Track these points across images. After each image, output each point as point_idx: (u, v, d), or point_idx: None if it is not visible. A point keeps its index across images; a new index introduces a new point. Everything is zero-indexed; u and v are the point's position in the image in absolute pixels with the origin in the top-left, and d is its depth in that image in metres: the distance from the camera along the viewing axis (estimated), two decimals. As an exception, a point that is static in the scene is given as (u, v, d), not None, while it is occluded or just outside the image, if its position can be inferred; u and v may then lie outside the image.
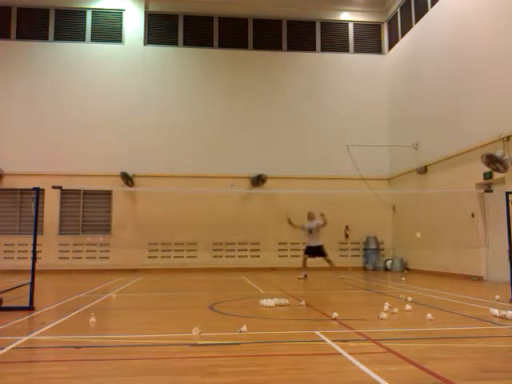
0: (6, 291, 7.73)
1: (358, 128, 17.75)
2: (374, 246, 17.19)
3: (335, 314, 5.95)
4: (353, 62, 18.56)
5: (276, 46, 18.40)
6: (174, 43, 18.06)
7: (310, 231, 12.39)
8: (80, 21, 17.70)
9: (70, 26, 17.65)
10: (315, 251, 12.31)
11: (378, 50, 18.84)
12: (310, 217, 12.60)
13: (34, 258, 6.97)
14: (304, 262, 12.51)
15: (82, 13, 17.71)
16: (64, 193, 16.20)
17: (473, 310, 6.76)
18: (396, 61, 17.83)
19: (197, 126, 17.40)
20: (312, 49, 18.57)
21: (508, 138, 11.07)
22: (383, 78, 18.41)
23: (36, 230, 7.20)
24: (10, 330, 5.34)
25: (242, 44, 18.28)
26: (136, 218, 16.68)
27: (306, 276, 12.22)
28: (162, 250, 16.74)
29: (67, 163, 16.45)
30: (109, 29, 17.81)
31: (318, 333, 4.98)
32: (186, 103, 17.56)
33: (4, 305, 6.86)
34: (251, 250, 17.02)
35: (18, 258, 15.80)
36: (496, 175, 11.50)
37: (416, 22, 16.17)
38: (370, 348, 4.42)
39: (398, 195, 17.15)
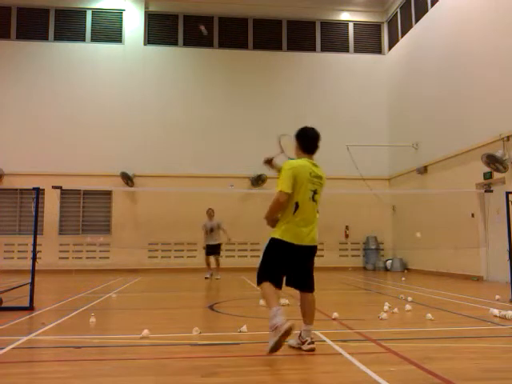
0: (5, 291, 7.73)
1: (357, 128, 17.75)
2: (373, 246, 17.19)
3: (335, 314, 5.95)
4: (353, 62, 18.56)
5: (276, 46, 18.40)
6: (174, 43, 18.05)
7: (211, 230, 12.95)
8: (80, 21, 17.69)
9: (69, 26, 17.64)
10: (214, 250, 13.04)
11: (377, 50, 18.83)
12: (211, 214, 13.13)
13: (34, 258, 6.97)
14: (207, 261, 13.15)
15: (82, 13, 17.71)
16: (64, 193, 16.17)
17: (473, 310, 6.76)
18: (396, 61, 17.82)
19: (197, 125, 17.39)
20: (312, 49, 18.57)
21: (508, 137, 11.07)
22: (383, 78, 18.40)
23: (36, 230, 7.19)
24: (10, 330, 5.34)
25: (241, 44, 18.28)
26: (136, 218, 16.67)
27: (211, 275, 12.92)
28: (162, 250, 16.73)
29: (67, 163, 16.44)
30: (109, 29, 17.81)
31: (318, 333, 4.97)
32: (185, 103, 17.55)
33: (4, 305, 6.86)
34: (251, 250, 17.02)
35: (18, 258, 15.79)
36: (496, 175, 11.50)
37: (416, 22, 16.16)
38: (370, 348, 4.42)
39: (397, 195, 17.15)
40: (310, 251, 4.33)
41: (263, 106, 17.78)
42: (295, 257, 4.25)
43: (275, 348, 3.87)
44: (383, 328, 5.44)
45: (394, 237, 17.62)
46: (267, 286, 4.17)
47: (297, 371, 3.66)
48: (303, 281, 4.36)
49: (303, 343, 4.23)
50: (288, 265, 4.27)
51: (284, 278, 4.31)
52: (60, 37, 17.53)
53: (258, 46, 18.31)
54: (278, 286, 4.25)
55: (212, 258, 13.17)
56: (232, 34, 18.32)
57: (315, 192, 4.33)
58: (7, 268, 15.03)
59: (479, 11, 12.57)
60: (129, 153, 16.81)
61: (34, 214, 7.18)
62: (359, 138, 17.30)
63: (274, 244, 4.25)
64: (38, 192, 7.14)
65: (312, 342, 4.23)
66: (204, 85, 17.80)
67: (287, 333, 3.83)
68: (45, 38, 17.46)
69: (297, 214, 4.20)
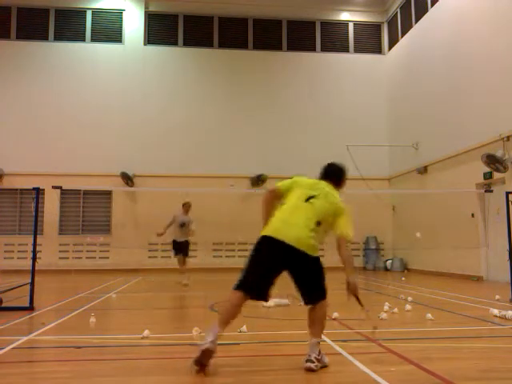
0: (5, 291, 7.73)
1: (357, 128, 17.74)
2: (374, 246, 17.18)
3: (335, 314, 5.95)
4: (353, 62, 18.55)
5: (276, 46, 18.40)
6: (174, 43, 18.05)
7: (182, 225, 11.03)
8: (80, 21, 17.69)
9: (69, 26, 17.64)
10: (181, 247, 10.97)
11: (377, 50, 18.83)
12: (187, 209, 11.24)
13: (34, 258, 6.97)
14: (180, 262, 11.00)
15: (82, 13, 17.70)
16: (64, 193, 16.14)
17: (473, 309, 6.76)
18: (396, 61, 17.82)
19: (197, 125, 17.39)
20: (312, 49, 18.56)
21: (508, 137, 11.07)
22: (383, 77, 18.40)
23: (36, 230, 7.20)
24: (10, 330, 5.34)
25: (241, 44, 18.27)
26: (136, 218, 16.66)
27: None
28: (162, 250, 16.71)
29: (67, 163, 16.43)
30: (109, 29, 17.81)
31: (318, 333, 4.96)
32: (185, 103, 17.55)
33: (4, 305, 6.86)
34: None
35: (18, 258, 15.77)
36: (496, 175, 11.50)
37: (416, 22, 16.16)
38: (370, 348, 4.42)
39: (398, 195, 17.14)
40: (298, 255, 3.66)
41: (263, 105, 17.77)
42: (282, 257, 3.65)
43: (195, 366, 3.48)
44: (383, 328, 5.44)
45: (393, 237, 17.61)
46: (232, 296, 3.67)
47: (297, 371, 3.65)
48: (303, 290, 3.81)
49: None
50: (276, 268, 3.69)
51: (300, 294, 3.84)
52: (60, 37, 17.52)
53: (258, 46, 18.31)
54: (258, 295, 3.67)
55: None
56: (232, 33, 18.32)
57: (312, 196, 3.91)
58: (7, 268, 15.00)
59: (479, 11, 12.57)
60: (129, 153, 16.80)
61: (34, 214, 7.17)
62: (359, 138, 17.27)
63: (255, 243, 3.85)
64: (38, 192, 7.14)
65: (311, 361, 3.58)
66: (204, 85, 17.79)
67: (205, 354, 3.40)
68: (45, 38, 17.45)
69: (281, 210, 3.96)
